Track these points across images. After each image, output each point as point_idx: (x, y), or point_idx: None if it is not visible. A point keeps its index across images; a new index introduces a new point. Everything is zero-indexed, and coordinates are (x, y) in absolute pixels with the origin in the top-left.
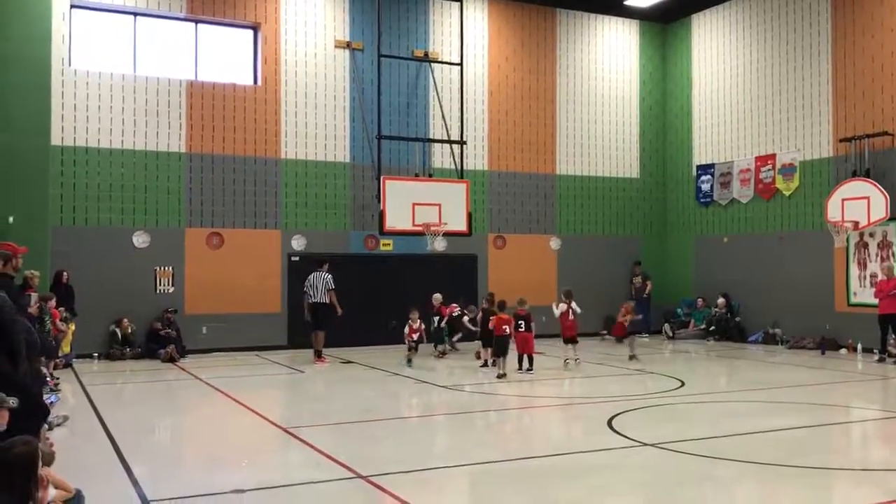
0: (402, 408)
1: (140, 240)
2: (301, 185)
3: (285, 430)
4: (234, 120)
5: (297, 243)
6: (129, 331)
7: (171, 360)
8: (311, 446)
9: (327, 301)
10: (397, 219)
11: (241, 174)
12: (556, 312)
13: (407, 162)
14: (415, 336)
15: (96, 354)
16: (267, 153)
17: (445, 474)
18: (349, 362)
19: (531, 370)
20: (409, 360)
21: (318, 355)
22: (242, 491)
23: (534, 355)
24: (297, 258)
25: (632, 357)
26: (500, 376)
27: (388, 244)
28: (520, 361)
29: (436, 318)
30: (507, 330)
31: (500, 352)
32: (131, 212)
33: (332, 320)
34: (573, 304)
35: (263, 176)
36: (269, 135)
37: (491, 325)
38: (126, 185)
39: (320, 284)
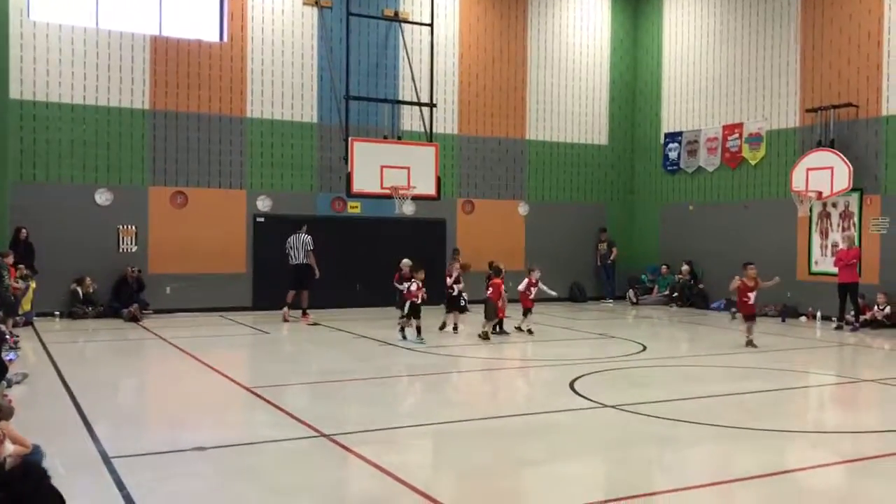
0: (368, 369)
1: (103, 198)
2: (267, 144)
3: (249, 390)
4: (199, 77)
5: (263, 204)
6: (91, 290)
7: (134, 319)
8: (275, 406)
9: (307, 262)
10: (365, 181)
11: (206, 133)
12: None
13: (375, 123)
14: (417, 299)
15: (58, 313)
16: (233, 112)
17: (410, 433)
18: (315, 324)
19: (507, 333)
20: (403, 331)
21: (304, 312)
22: (204, 448)
23: (503, 319)
24: (262, 219)
25: (749, 343)
26: (484, 336)
27: (356, 207)
28: (494, 326)
29: (405, 286)
30: (498, 293)
31: (488, 314)
32: (93, 169)
33: (313, 280)
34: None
35: (229, 135)
36: (234, 93)
37: (489, 289)
38: (88, 141)
39: (300, 246)
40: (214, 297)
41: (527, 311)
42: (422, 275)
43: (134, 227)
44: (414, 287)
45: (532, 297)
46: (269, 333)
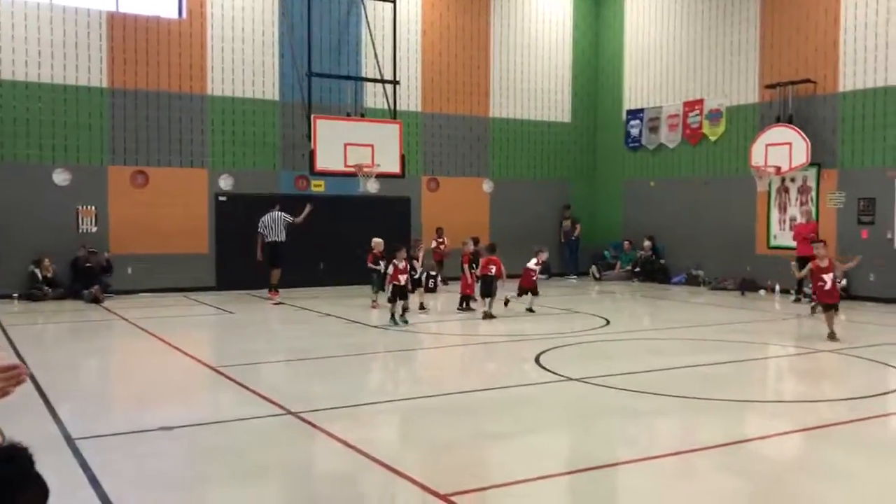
0: (334, 347)
1: (61, 177)
2: (228, 122)
3: (215, 370)
4: (159, 54)
5: (225, 183)
6: (50, 271)
7: (96, 300)
8: (242, 385)
9: (283, 239)
10: (329, 159)
11: (166, 111)
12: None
13: (338, 101)
14: (401, 279)
15: (16, 295)
16: (193, 89)
17: (377, 410)
18: (280, 304)
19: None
20: (393, 317)
21: (273, 290)
22: (171, 428)
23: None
24: (224, 198)
25: (831, 336)
26: (487, 315)
27: (320, 185)
28: (462, 302)
29: (381, 265)
30: (494, 270)
31: (485, 293)
32: (50, 148)
33: (286, 259)
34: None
35: (189, 113)
36: (194, 70)
37: (490, 267)
38: (44, 120)
39: (277, 224)
40: (177, 278)
41: (529, 291)
42: (403, 253)
43: (93, 208)
44: (391, 271)
45: (535, 277)
46: (234, 313)
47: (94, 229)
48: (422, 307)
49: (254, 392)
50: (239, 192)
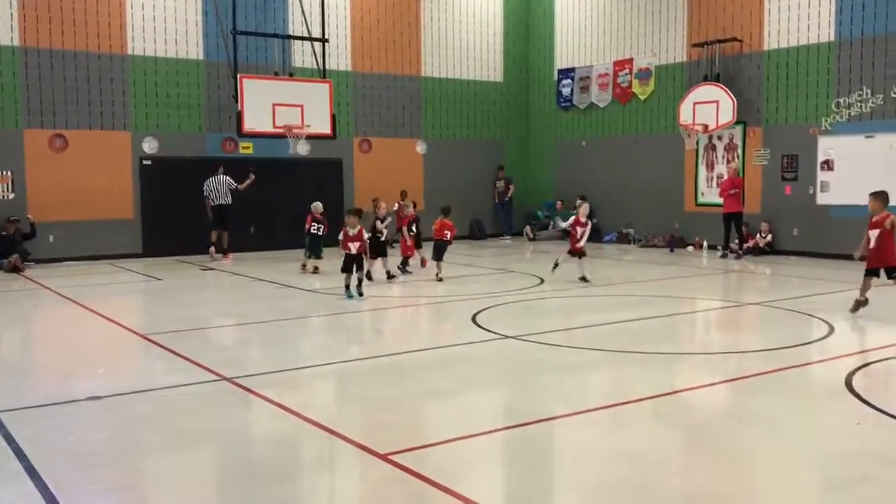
0: (267, 312)
1: None
2: (151, 83)
3: (144, 337)
4: (74, 12)
5: (149, 146)
6: None
7: (16, 269)
8: (173, 352)
9: (229, 202)
10: (257, 120)
11: (84, 71)
12: (566, 224)
13: (265, 60)
14: (352, 247)
15: None
16: (112, 49)
17: (314, 373)
18: (209, 269)
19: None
20: (347, 288)
21: (225, 253)
22: (100, 397)
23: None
24: (149, 161)
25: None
26: (438, 279)
27: (248, 147)
28: (403, 264)
29: (313, 227)
30: (448, 236)
31: (439, 257)
32: None
33: (232, 220)
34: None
35: (109, 73)
36: (113, 28)
37: (444, 231)
38: None
39: (221, 186)
40: (102, 245)
41: (578, 255)
42: (353, 219)
43: (9, 173)
44: (347, 235)
45: (581, 238)
46: (162, 280)
47: (12, 196)
48: (389, 276)
49: (185, 359)
50: (164, 156)
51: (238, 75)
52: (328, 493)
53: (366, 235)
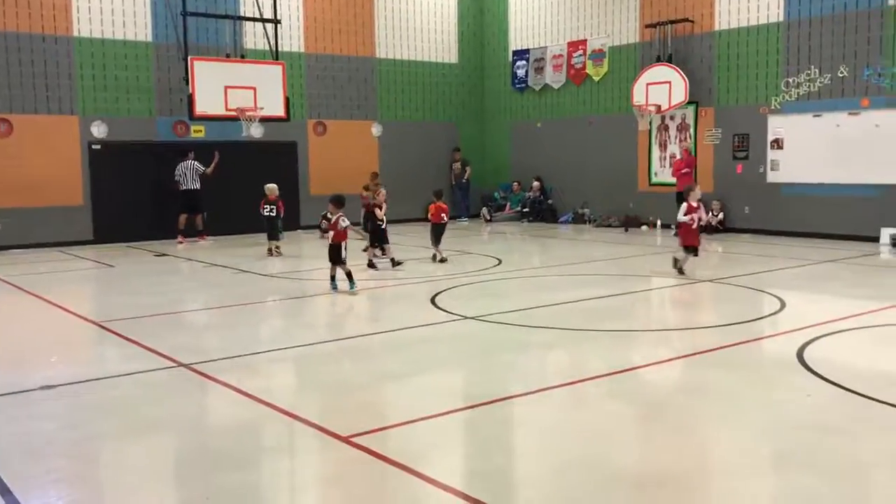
0: (224, 297)
1: None
2: (99, 66)
3: (97, 325)
4: None
5: (98, 130)
6: None
7: None
8: (128, 339)
9: (198, 187)
10: (209, 103)
11: (28, 53)
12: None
13: (217, 42)
14: (328, 237)
15: None
16: (57, 30)
17: (273, 358)
18: (163, 255)
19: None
20: (333, 280)
21: (200, 234)
22: (52, 386)
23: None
24: (98, 146)
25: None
26: (442, 260)
27: (200, 130)
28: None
29: (266, 209)
30: (445, 218)
31: (438, 240)
32: None
33: (201, 203)
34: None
35: (55, 56)
36: (58, 9)
37: (431, 212)
38: None
39: (190, 171)
40: (51, 232)
41: (694, 250)
42: (330, 207)
43: None
44: (330, 223)
45: (697, 226)
46: (115, 267)
47: None
48: (394, 263)
49: (140, 346)
50: (114, 140)
51: (189, 57)
52: (290, 478)
53: (342, 224)
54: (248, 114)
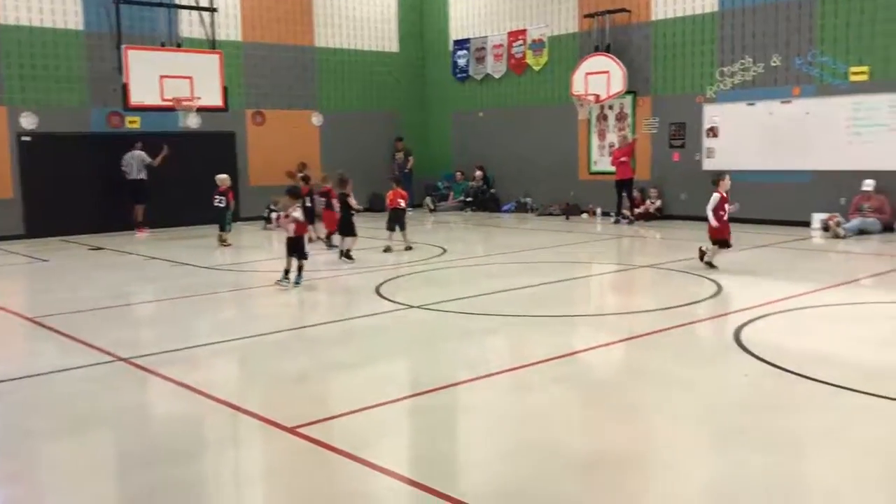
0: (162, 291)
1: None
2: (26, 55)
3: (31, 320)
4: None
5: (28, 121)
6: None
7: None
8: (63, 334)
9: (145, 178)
10: (144, 93)
11: None
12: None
13: (151, 30)
14: (290, 230)
15: None
16: None
17: (215, 350)
18: (99, 248)
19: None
20: (286, 274)
21: (140, 226)
22: None
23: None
24: (28, 138)
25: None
26: (408, 248)
27: (135, 121)
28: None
29: (216, 200)
30: (403, 203)
31: (396, 225)
32: None
33: (148, 195)
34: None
35: None
36: None
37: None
38: None
39: (135, 161)
40: None
41: (724, 243)
42: (285, 199)
43: None
44: (300, 215)
45: (727, 217)
46: (48, 261)
47: None
48: (346, 255)
49: (77, 340)
50: (45, 132)
51: (122, 46)
52: (234, 469)
53: (295, 214)
54: (184, 104)
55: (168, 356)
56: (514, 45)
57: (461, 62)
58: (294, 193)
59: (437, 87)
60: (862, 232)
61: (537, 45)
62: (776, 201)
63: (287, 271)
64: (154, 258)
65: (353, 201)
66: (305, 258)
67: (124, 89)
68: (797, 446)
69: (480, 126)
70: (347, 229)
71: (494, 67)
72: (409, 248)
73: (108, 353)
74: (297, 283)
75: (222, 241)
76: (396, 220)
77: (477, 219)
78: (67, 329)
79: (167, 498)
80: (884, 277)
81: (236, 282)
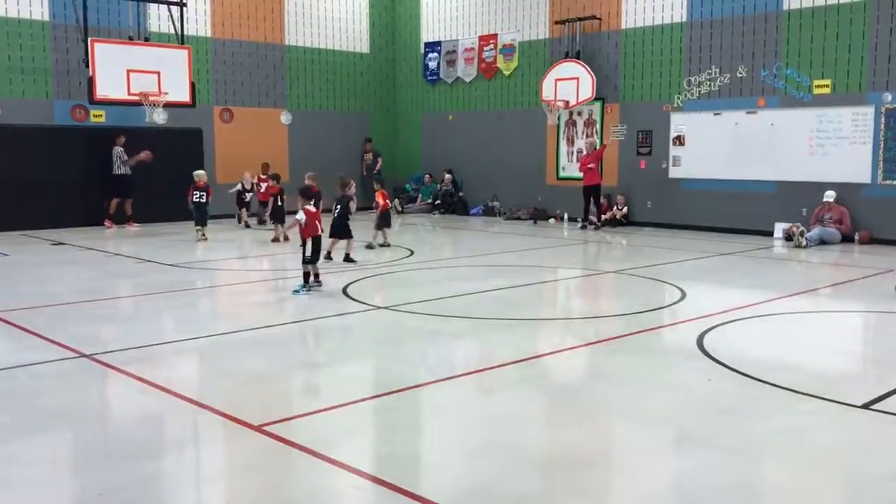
0: (126, 287)
1: None
2: None
3: None
4: None
5: None
6: None
7: None
8: (24, 329)
9: (128, 172)
10: (110, 86)
11: None
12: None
13: (119, 23)
14: (318, 231)
15: None
16: None
17: (180, 348)
18: (61, 244)
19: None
20: (307, 280)
21: (128, 221)
22: None
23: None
24: None
25: None
26: (383, 245)
27: (100, 115)
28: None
29: (195, 196)
30: (388, 203)
31: (384, 224)
32: None
33: (131, 189)
34: None
35: None
36: None
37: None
38: None
39: (114, 157)
40: None
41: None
42: (299, 200)
43: None
44: (301, 216)
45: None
46: (8, 255)
47: None
48: (348, 258)
49: (38, 336)
50: (7, 124)
51: (89, 39)
52: (199, 467)
53: (297, 216)
54: (151, 99)
55: (132, 353)
56: (486, 49)
57: (432, 65)
58: (305, 194)
59: (408, 89)
60: (822, 242)
61: (508, 50)
62: (740, 210)
63: (310, 276)
64: (117, 254)
65: (353, 206)
66: (306, 262)
67: (90, 82)
68: (757, 449)
69: (450, 129)
70: (344, 232)
71: (465, 71)
72: (387, 245)
73: (71, 349)
74: (294, 290)
75: (202, 236)
76: (386, 221)
77: (445, 222)
78: (29, 324)
79: (131, 495)
80: (842, 287)
81: (202, 280)
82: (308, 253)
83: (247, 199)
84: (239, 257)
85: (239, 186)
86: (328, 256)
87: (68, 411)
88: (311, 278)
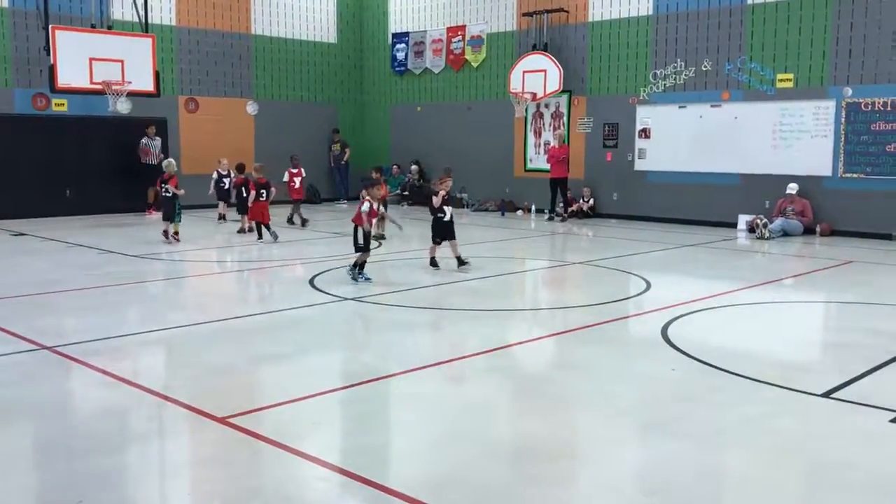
0: (88, 278)
1: None
2: None
3: None
4: None
5: None
6: None
7: None
8: None
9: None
10: (72, 75)
11: None
12: None
13: (80, 11)
14: (372, 223)
15: None
16: None
17: (144, 340)
18: (21, 234)
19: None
20: (355, 268)
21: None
22: None
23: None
24: None
25: None
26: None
27: (62, 104)
28: (258, 229)
29: (162, 189)
30: (388, 193)
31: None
32: None
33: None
34: None
35: None
36: None
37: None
38: None
39: (152, 148)
40: None
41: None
42: (379, 191)
43: None
44: (366, 208)
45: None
46: None
47: None
48: (461, 262)
49: None
50: None
51: (49, 26)
52: (163, 460)
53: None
54: (114, 87)
55: (94, 345)
56: (454, 40)
57: (400, 55)
58: (372, 183)
59: (376, 79)
60: (785, 233)
61: (476, 42)
62: (705, 202)
63: (357, 265)
64: (79, 245)
65: (436, 200)
66: (358, 250)
67: (51, 71)
68: (720, 438)
69: (418, 120)
70: (448, 233)
71: (433, 62)
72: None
73: (31, 342)
74: (354, 278)
75: (172, 235)
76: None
77: (413, 213)
78: None
79: (94, 488)
80: (803, 278)
81: (165, 271)
82: (360, 241)
83: (225, 187)
84: (204, 248)
85: (215, 175)
86: (433, 263)
87: (30, 404)
88: (353, 266)
